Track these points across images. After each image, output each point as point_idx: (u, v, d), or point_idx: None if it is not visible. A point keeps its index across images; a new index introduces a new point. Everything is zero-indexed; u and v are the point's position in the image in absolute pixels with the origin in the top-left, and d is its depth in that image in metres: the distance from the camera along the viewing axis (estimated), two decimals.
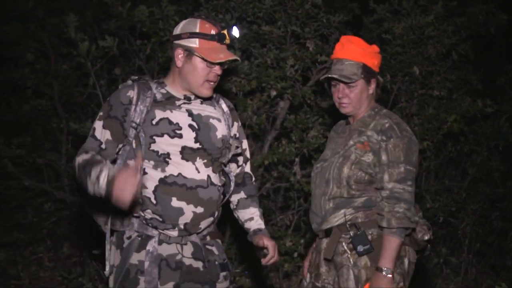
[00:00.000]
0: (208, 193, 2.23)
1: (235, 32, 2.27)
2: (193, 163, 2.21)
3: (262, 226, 2.45)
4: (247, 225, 2.46)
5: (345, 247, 2.39)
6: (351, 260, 2.37)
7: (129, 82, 2.31)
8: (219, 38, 2.22)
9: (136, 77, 2.33)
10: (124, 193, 1.90)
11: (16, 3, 4.34)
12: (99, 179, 1.97)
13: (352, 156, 2.41)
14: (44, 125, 4.51)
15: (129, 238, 2.24)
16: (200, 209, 2.21)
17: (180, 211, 2.18)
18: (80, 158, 2.13)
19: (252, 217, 2.46)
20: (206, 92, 2.27)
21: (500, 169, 5.26)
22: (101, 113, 2.25)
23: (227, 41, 2.25)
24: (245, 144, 2.51)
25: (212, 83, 2.26)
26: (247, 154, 2.53)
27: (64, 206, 4.58)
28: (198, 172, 2.22)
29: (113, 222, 2.27)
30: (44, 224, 4.46)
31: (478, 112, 4.54)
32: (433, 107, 4.44)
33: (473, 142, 5.19)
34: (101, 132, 2.22)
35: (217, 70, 2.25)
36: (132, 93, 2.23)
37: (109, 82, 4.34)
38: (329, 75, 2.46)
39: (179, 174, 2.18)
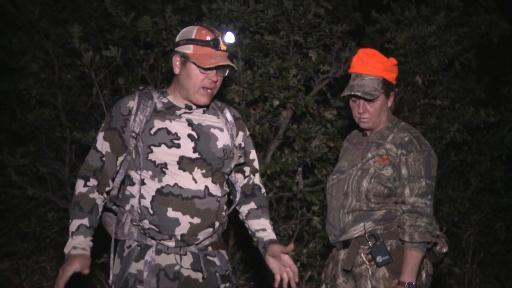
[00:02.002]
0: (206, 203, 2.20)
1: (229, 37, 2.23)
2: (191, 173, 2.19)
3: (274, 237, 2.37)
4: (259, 234, 2.37)
5: (364, 258, 2.38)
6: (369, 271, 2.36)
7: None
8: (214, 44, 2.20)
9: (141, 88, 2.34)
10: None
11: (21, 14, 4.38)
12: (69, 238, 2.19)
13: (371, 169, 2.39)
14: (48, 134, 4.53)
15: (129, 247, 2.24)
16: (197, 220, 2.19)
17: (176, 222, 2.17)
18: (79, 186, 2.22)
19: (264, 228, 2.38)
20: (202, 99, 2.24)
21: (504, 179, 5.25)
22: (103, 124, 2.28)
23: (222, 47, 2.22)
24: (253, 154, 2.46)
25: (208, 90, 2.23)
26: (255, 165, 2.48)
27: (67, 216, 4.56)
28: (195, 182, 2.19)
29: (116, 232, 2.28)
30: (47, 233, 4.47)
31: (481, 121, 4.54)
32: (435, 116, 4.44)
33: (476, 152, 5.19)
34: (102, 143, 2.24)
35: (212, 76, 2.21)
36: (132, 103, 2.25)
37: (113, 91, 4.36)
38: (352, 93, 2.42)
39: (175, 184, 2.17)
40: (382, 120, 2.49)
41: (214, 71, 2.21)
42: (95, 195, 2.20)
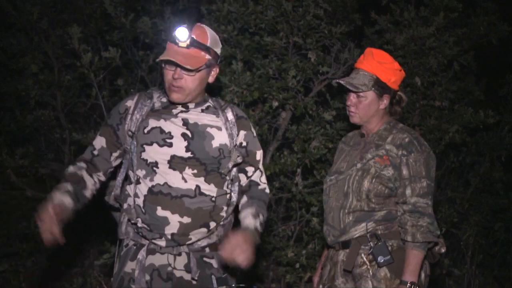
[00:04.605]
0: (196, 203, 2.19)
1: (180, 33, 2.19)
2: (181, 172, 2.19)
3: (251, 226, 2.22)
4: (242, 225, 2.27)
5: (364, 259, 2.39)
6: (370, 272, 2.37)
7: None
8: (172, 39, 2.18)
9: (149, 91, 2.37)
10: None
11: (21, 15, 4.38)
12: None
13: (372, 169, 2.40)
14: (47, 136, 4.53)
15: (126, 246, 2.26)
16: (187, 219, 2.18)
17: (166, 221, 2.17)
18: (69, 168, 2.27)
19: (246, 215, 2.27)
20: (172, 96, 2.21)
21: (503, 179, 5.26)
22: (103, 122, 2.33)
23: (181, 43, 2.16)
24: (258, 155, 2.40)
25: (175, 87, 2.19)
26: (260, 165, 2.42)
27: None
28: (185, 181, 2.19)
29: (117, 231, 2.30)
30: None
31: (480, 122, 4.54)
32: (434, 117, 4.44)
33: (476, 153, 5.19)
34: (97, 139, 2.30)
35: (172, 73, 2.18)
36: (131, 103, 2.28)
37: (112, 92, 4.37)
38: (339, 81, 2.48)
39: (165, 183, 2.18)
40: (373, 120, 2.50)
41: (177, 68, 2.17)
42: (82, 172, 2.24)
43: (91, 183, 2.25)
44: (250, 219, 2.25)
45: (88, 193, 2.23)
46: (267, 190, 2.43)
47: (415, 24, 4.36)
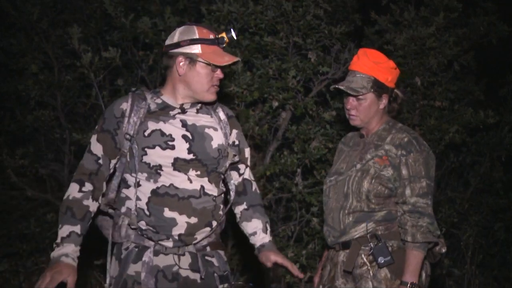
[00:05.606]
0: (201, 203, 2.20)
1: (234, 34, 2.28)
2: (185, 174, 2.20)
3: (266, 239, 2.37)
4: (252, 240, 2.40)
5: (365, 259, 2.39)
6: (370, 272, 2.37)
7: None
8: (219, 41, 2.24)
9: (134, 89, 2.33)
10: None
11: (21, 15, 4.37)
12: (59, 244, 2.09)
13: (371, 170, 2.41)
14: (47, 136, 4.53)
15: (126, 249, 2.23)
16: (194, 219, 2.19)
17: (173, 222, 2.17)
18: (73, 190, 2.17)
19: (255, 232, 2.38)
20: (211, 96, 2.27)
21: (503, 179, 5.27)
22: (97, 127, 2.26)
23: (225, 43, 2.27)
24: (247, 152, 2.47)
25: (216, 87, 2.27)
26: (248, 161, 2.48)
27: None
28: (191, 182, 2.20)
29: (113, 235, 2.27)
30: (47, 234, 4.46)
31: (480, 122, 4.54)
32: (435, 117, 4.44)
33: (476, 153, 5.20)
34: (96, 146, 2.22)
35: (219, 74, 2.25)
36: (126, 105, 2.24)
37: (112, 93, 4.36)
38: (338, 86, 2.47)
39: (171, 184, 2.17)
40: (373, 120, 2.50)
41: (219, 68, 2.24)
42: (89, 201, 2.17)
43: (94, 208, 2.20)
44: (262, 234, 2.38)
45: (89, 223, 2.19)
46: (257, 189, 2.50)
47: (415, 24, 4.36)
